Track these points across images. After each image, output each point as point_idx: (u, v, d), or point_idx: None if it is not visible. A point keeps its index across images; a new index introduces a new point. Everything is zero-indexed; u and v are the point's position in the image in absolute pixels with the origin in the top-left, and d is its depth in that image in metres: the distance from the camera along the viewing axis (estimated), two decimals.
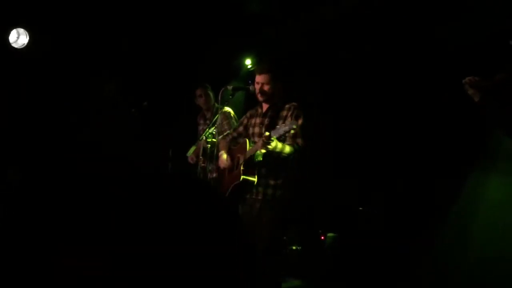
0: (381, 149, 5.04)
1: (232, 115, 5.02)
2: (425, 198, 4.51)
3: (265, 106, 4.07)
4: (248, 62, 6.54)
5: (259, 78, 4.03)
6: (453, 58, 4.34)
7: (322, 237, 5.25)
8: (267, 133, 3.64)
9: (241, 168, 3.87)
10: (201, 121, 5.38)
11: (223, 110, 5.01)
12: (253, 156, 3.84)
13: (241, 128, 4.24)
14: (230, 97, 4.27)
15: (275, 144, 3.65)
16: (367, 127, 5.15)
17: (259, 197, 3.87)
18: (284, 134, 3.60)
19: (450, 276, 3.98)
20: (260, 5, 5.47)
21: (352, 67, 5.28)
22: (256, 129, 4.06)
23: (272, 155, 3.78)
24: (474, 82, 3.26)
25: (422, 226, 4.39)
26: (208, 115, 5.26)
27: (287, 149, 3.76)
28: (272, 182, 3.86)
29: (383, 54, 5.00)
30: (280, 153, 3.75)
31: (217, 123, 4.43)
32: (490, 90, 3.20)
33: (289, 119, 3.84)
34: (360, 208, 5.16)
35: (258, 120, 4.07)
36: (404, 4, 4.66)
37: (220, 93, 4.18)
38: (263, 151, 3.73)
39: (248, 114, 4.23)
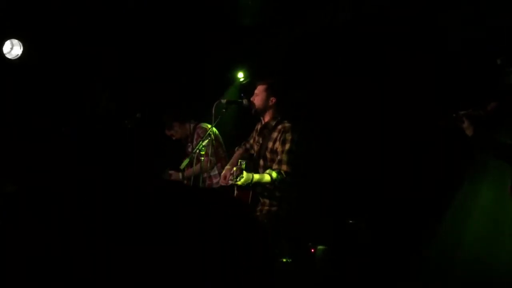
0: (372, 160, 5.09)
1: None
2: (416, 209, 4.57)
3: (263, 121, 4.09)
4: (240, 75, 6.58)
5: (256, 90, 4.08)
6: (446, 69, 4.43)
7: (312, 250, 5.27)
8: (234, 168, 3.68)
9: (235, 192, 3.90)
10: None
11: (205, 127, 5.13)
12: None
13: (251, 140, 4.25)
14: (224, 110, 4.29)
15: (247, 178, 3.64)
16: (357, 137, 5.21)
17: (257, 213, 3.89)
18: (239, 173, 3.61)
19: (441, 283, 4.05)
20: (253, 16, 5.53)
21: (346, 77, 5.35)
22: (255, 147, 4.11)
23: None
24: (469, 114, 3.29)
25: (413, 237, 4.45)
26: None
27: (266, 178, 3.74)
28: (267, 202, 3.91)
29: (377, 63, 5.07)
30: (259, 183, 3.75)
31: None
32: (483, 121, 3.24)
33: (277, 143, 3.87)
34: (350, 221, 5.20)
35: (257, 138, 4.12)
36: (395, 13, 4.74)
37: (214, 106, 4.20)
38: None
39: (256, 127, 4.24)
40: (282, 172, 3.77)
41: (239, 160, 3.78)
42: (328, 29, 5.18)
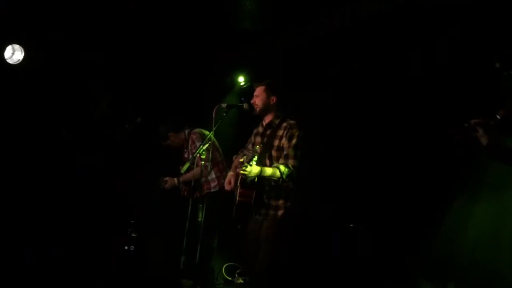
0: (373, 162, 5.09)
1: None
2: (417, 212, 4.57)
3: (264, 122, 4.09)
4: (241, 79, 6.59)
5: (256, 92, 4.09)
6: (446, 69, 4.44)
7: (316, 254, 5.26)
8: (241, 160, 3.69)
9: (238, 190, 3.88)
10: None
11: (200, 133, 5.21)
12: (244, 178, 3.83)
13: (250, 146, 4.23)
14: (224, 114, 4.30)
15: (250, 169, 3.63)
16: (357, 138, 5.22)
17: (261, 217, 3.88)
18: (251, 158, 3.63)
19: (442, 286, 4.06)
20: (253, 21, 5.55)
21: (342, 85, 5.36)
22: (257, 148, 4.07)
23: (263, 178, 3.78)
24: (482, 122, 3.23)
25: (413, 240, 4.46)
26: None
27: (269, 171, 3.73)
28: (273, 203, 3.87)
29: (373, 73, 5.08)
30: (264, 176, 3.74)
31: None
32: (495, 129, 3.18)
33: (283, 139, 3.88)
34: (351, 225, 5.19)
35: (258, 139, 4.11)
36: (394, 17, 4.74)
37: (214, 111, 4.21)
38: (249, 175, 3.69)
39: (254, 131, 4.24)
40: (290, 165, 3.77)
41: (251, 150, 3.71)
42: (326, 34, 5.21)
